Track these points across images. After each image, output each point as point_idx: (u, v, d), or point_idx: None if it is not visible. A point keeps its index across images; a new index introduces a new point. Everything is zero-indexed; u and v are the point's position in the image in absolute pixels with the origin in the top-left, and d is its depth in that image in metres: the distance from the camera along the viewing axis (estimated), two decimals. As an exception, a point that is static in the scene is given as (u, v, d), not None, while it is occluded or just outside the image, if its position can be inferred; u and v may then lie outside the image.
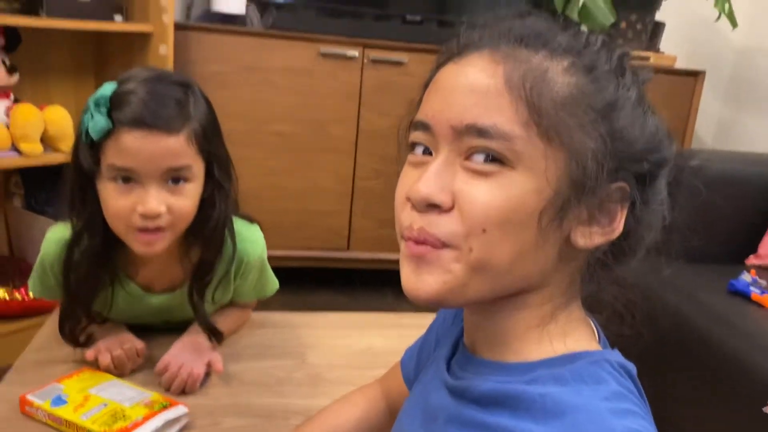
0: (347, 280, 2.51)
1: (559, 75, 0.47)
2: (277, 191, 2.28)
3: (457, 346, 0.60)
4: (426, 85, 0.53)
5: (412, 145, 0.52)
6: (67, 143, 1.81)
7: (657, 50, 2.54)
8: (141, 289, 0.97)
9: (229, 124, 2.18)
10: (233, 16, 2.29)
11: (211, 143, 0.90)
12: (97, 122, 0.83)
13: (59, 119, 1.78)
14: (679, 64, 2.51)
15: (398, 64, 2.23)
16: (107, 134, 0.83)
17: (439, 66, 0.53)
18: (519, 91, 0.46)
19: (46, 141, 1.80)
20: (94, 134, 0.83)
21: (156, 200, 0.84)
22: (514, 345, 0.51)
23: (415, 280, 0.48)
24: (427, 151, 0.50)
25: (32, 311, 1.82)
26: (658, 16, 2.48)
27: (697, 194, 0.52)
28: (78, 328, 0.95)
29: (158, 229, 0.86)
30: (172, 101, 0.86)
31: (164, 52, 1.97)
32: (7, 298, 1.77)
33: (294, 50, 2.18)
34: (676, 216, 0.51)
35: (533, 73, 0.46)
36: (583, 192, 0.46)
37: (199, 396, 0.90)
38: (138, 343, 0.96)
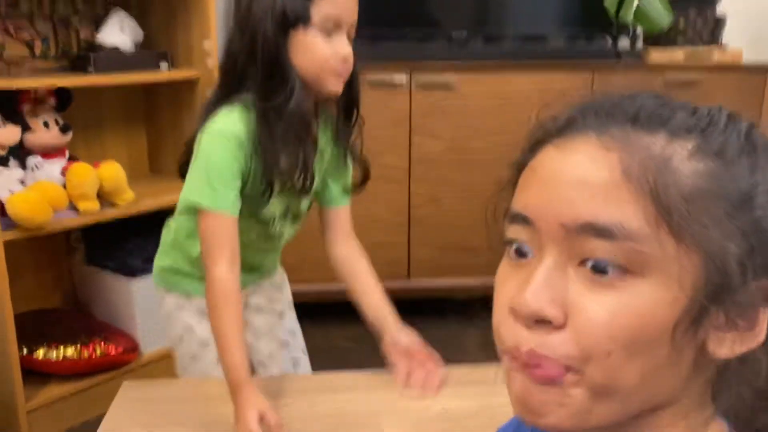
0: (409, 309, 2.44)
1: (684, 162, 0.39)
2: (332, 225, 2.24)
3: None
4: (518, 166, 0.46)
5: (509, 242, 0.44)
6: (122, 197, 1.82)
7: (720, 45, 2.40)
8: None
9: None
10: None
11: None
12: None
13: (113, 175, 1.78)
14: (745, 59, 2.36)
15: (448, 85, 2.16)
16: None
17: (534, 145, 0.46)
18: (641, 183, 0.38)
19: (102, 196, 1.80)
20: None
21: (349, 48, 1.00)
22: None
23: (528, 399, 0.41)
24: (522, 254, 0.43)
25: (99, 368, 1.83)
26: (719, 9, 2.35)
27: None
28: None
29: (346, 71, 1.01)
30: None
31: (211, 96, 1.95)
32: (76, 356, 1.77)
33: (340, 81, 2.13)
34: None
35: (654, 160, 0.39)
36: (722, 297, 0.39)
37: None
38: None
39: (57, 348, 1.78)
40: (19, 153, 1.78)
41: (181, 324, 1.18)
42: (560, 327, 0.40)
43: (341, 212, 1.20)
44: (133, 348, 1.89)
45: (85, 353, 1.79)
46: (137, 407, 1.03)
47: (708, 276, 0.39)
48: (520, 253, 0.43)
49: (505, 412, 0.98)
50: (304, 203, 1.14)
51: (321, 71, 0.99)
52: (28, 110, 1.77)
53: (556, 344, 0.39)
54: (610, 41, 2.44)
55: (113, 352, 1.83)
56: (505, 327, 0.42)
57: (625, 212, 0.38)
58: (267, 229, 1.12)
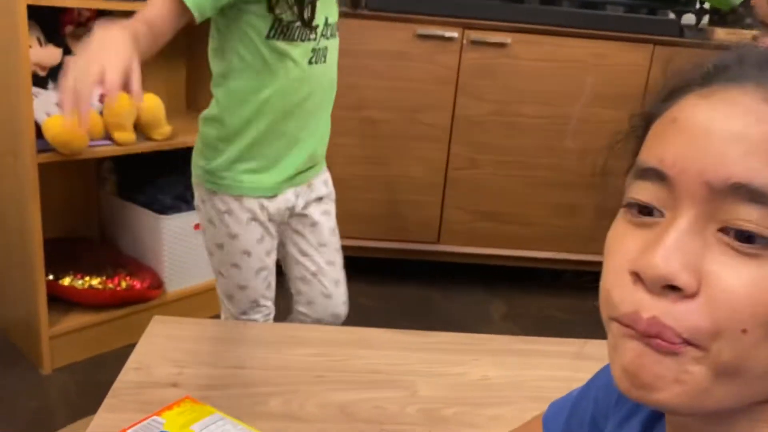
0: (438, 273, 2.41)
1: None
2: (366, 180, 2.19)
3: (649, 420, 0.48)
4: (645, 117, 0.41)
5: (629, 203, 0.39)
6: (158, 131, 1.78)
7: (789, 29, 2.27)
8: None
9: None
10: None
11: None
12: None
13: (152, 107, 1.74)
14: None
15: (501, 45, 2.08)
16: None
17: (671, 94, 0.40)
18: None
19: (139, 129, 1.76)
20: None
21: None
22: None
23: (640, 371, 0.36)
24: (647, 212, 0.38)
25: (123, 301, 1.81)
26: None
27: None
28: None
29: None
30: None
31: (256, 35, 1.89)
32: (101, 287, 1.76)
33: (389, 31, 2.06)
34: None
35: None
36: None
37: (307, 433, 0.82)
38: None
39: (83, 277, 1.76)
40: (59, 76, 1.73)
41: (225, 231, 1.21)
42: (691, 296, 0.35)
43: None
44: (158, 284, 1.88)
45: (110, 285, 1.78)
46: (167, 344, 1.00)
47: None
48: (645, 212, 0.38)
49: (541, 385, 0.94)
50: (334, 8, 1.15)
51: None
52: (71, 32, 1.73)
53: (684, 314, 0.35)
54: (672, 15, 2.33)
55: (138, 287, 1.81)
56: (621, 291, 0.37)
57: None
58: (309, 50, 1.10)
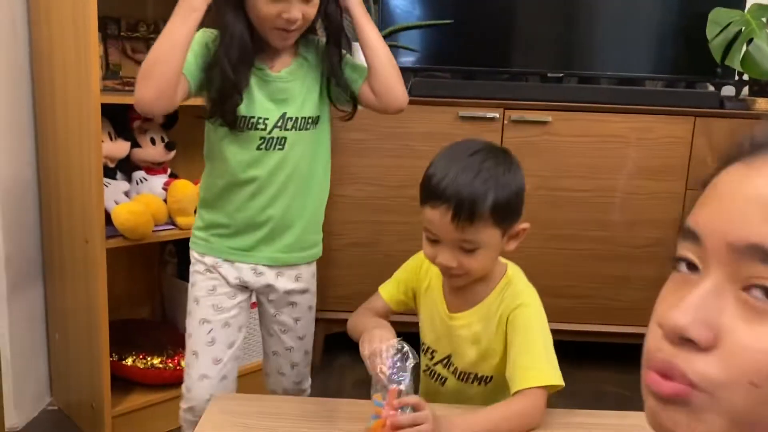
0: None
1: None
2: (415, 257, 2.23)
3: None
4: (704, 184, 0.45)
5: (677, 260, 0.43)
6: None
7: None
8: (267, 69, 1.22)
9: (368, 190, 2.21)
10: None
11: None
12: None
13: (211, 193, 1.84)
14: None
15: (541, 123, 2.14)
16: None
17: (725, 163, 0.44)
18: None
19: (199, 213, 1.86)
20: None
21: (297, 10, 1.13)
22: None
23: (660, 419, 0.40)
24: (693, 267, 0.42)
25: (182, 380, 1.86)
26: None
27: None
28: (233, 105, 1.17)
29: (293, 30, 1.17)
30: None
31: (308, 123, 2.00)
32: (162, 366, 1.82)
33: (432, 115, 2.15)
34: None
35: None
36: None
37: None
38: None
39: (144, 357, 1.83)
40: (126, 167, 1.87)
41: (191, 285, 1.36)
42: (707, 350, 0.38)
43: (367, 86, 1.27)
44: (215, 363, 1.92)
45: (170, 364, 1.83)
46: (227, 420, 1.04)
47: None
48: (692, 267, 0.42)
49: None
50: (301, 106, 1.24)
51: (263, 28, 1.17)
52: (138, 127, 1.87)
53: (697, 363, 0.38)
54: (711, 87, 2.36)
55: (196, 366, 1.86)
56: (652, 337, 0.41)
57: None
58: (256, 137, 1.21)
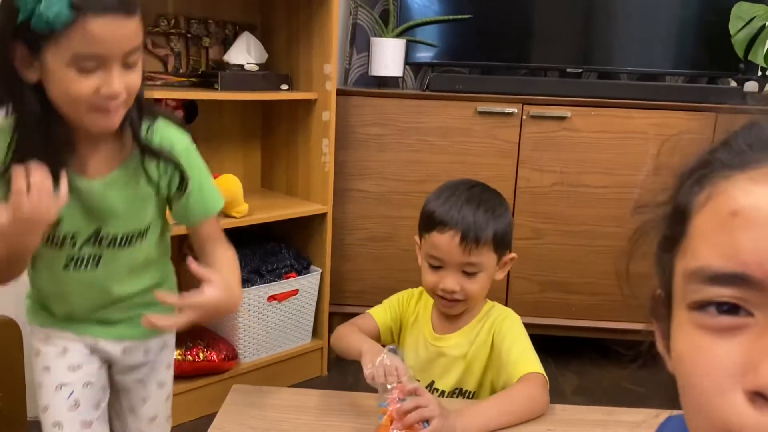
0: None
1: None
2: (432, 252, 2.23)
3: None
4: (677, 210, 0.39)
5: (702, 304, 0.35)
6: (237, 209, 1.89)
7: None
8: (77, 174, 0.95)
9: (387, 185, 2.22)
10: (390, 78, 2.32)
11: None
12: (56, 10, 0.79)
13: (231, 187, 1.86)
14: None
15: (560, 119, 2.13)
16: (67, 23, 0.81)
17: (701, 179, 0.38)
18: None
19: (218, 207, 1.88)
20: (52, 23, 0.80)
21: (119, 82, 0.87)
22: None
23: None
24: (733, 311, 0.34)
25: (201, 372, 1.89)
26: None
27: None
28: None
29: (116, 107, 0.89)
30: None
31: (326, 117, 2.01)
32: (180, 359, 1.84)
33: (450, 110, 2.15)
34: None
35: None
36: None
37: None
38: None
39: (164, 349, 1.85)
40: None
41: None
42: None
43: (199, 230, 1.07)
44: (233, 356, 1.95)
45: (189, 357, 1.86)
46: (245, 411, 1.05)
47: None
48: (729, 310, 0.34)
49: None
50: (115, 226, 1.01)
51: (85, 110, 0.88)
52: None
53: None
54: (733, 83, 2.34)
55: (215, 359, 1.88)
56: (737, 416, 0.32)
57: None
58: (62, 256, 1.01)
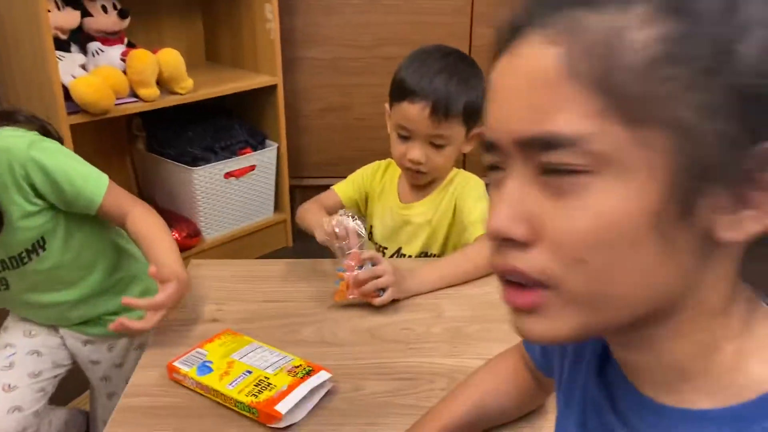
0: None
1: (635, 32, 0.34)
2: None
3: (603, 357, 0.48)
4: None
5: (487, 169, 0.41)
6: (181, 85, 1.82)
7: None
8: None
9: (339, 52, 2.14)
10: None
11: None
12: None
13: (173, 61, 1.78)
14: None
15: None
16: None
17: (493, 60, 0.41)
18: (585, 76, 0.34)
19: (162, 84, 1.81)
20: None
21: None
22: (682, 387, 0.40)
23: (520, 327, 0.40)
24: (497, 168, 0.40)
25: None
26: None
27: None
28: None
29: None
30: None
31: (268, -19, 1.90)
32: (141, 240, 1.84)
33: (400, -34, 2.04)
34: None
35: (599, 40, 0.34)
36: (713, 173, 0.34)
37: (340, 356, 0.88)
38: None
39: (124, 232, 1.84)
40: (80, 38, 1.78)
41: None
42: (530, 244, 0.37)
43: (102, 214, 1.04)
44: (195, 233, 1.95)
45: (151, 237, 1.85)
46: (207, 284, 1.06)
47: (683, 153, 0.34)
48: (497, 169, 0.40)
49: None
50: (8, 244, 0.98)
51: None
52: (86, -7, 1.75)
53: (530, 260, 0.37)
54: None
55: (177, 237, 1.89)
56: (489, 252, 0.40)
57: (566, 113, 0.35)
58: None
